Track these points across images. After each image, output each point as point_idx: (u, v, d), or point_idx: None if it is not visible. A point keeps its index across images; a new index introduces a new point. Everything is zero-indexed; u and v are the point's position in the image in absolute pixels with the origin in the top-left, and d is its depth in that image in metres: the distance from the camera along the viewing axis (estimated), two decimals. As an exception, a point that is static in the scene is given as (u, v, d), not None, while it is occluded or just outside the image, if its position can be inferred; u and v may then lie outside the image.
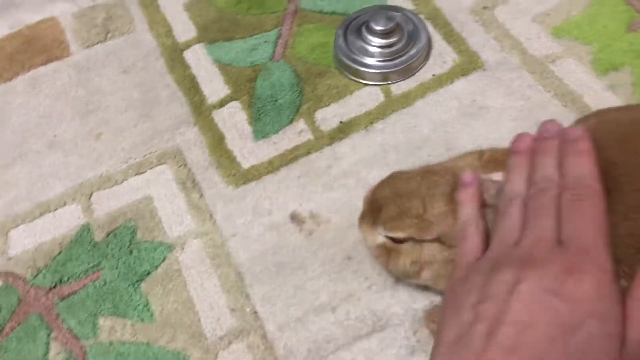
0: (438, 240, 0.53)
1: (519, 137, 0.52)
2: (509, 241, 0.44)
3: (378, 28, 0.77)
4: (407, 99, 0.77)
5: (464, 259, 0.48)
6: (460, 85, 0.77)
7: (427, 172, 0.55)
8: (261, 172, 0.73)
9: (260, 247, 0.68)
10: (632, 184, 0.45)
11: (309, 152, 0.74)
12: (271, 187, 0.72)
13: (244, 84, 0.82)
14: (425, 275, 0.56)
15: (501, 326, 0.38)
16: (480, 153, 0.56)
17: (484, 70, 0.77)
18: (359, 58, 0.78)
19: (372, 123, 0.76)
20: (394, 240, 0.55)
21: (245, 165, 0.74)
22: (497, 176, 0.52)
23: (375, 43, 0.78)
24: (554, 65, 0.76)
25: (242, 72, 0.83)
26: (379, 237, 0.56)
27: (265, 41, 0.86)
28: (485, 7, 0.83)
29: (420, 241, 0.53)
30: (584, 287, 0.38)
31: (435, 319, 0.61)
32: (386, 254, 0.56)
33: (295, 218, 0.70)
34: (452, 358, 0.40)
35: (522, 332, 0.37)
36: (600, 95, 0.72)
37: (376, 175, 0.71)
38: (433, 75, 0.78)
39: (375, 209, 0.56)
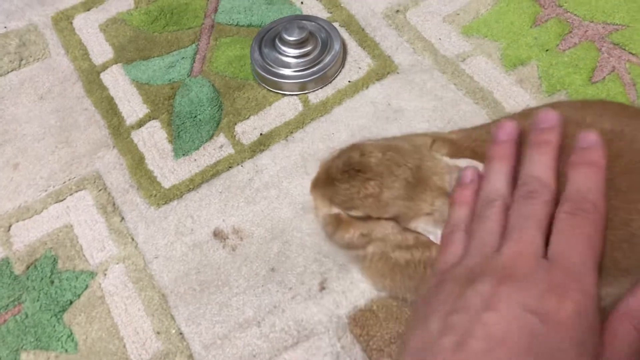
0: (393, 219, 0.51)
1: (501, 125, 0.47)
2: (488, 248, 0.40)
3: (291, 39, 0.77)
4: (325, 107, 0.77)
5: (443, 265, 0.44)
6: (375, 89, 0.78)
7: (390, 149, 0.51)
8: (182, 190, 0.73)
9: (184, 267, 0.67)
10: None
11: (230, 167, 0.74)
12: (193, 204, 0.72)
13: (162, 102, 0.81)
14: (370, 250, 0.55)
15: (471, 340, 0.35)
16: (432, 135, 0.54)
17: (398, 73, 0.79)
18: (275, 70, 0.79)
19: (291, 133, 0.76)
20: (351, 215, 0.53)
21: (166, 184, 0.74)
22: (463, 163, 0.50)
23: (289, 54, 0.79)
24: (464, 63, 0.78)
25: (161, 90, 0.82)
26: (333, 209, 0.54)
27: (183, 57, 0.85)
28: (397, 11, 0.85)
29: (377, 218, 0.52)
30: (566, 310, 0.35)
31: (358, 323, 0.62)
32: (336, 224, 0.54)
33: (218, 234, 0.69)
34: None
35: (492, 349, 0.34)
36: (509, 90, 0.74)
37: (297, 185, 0.72)
38: (349, 81, 0.79)
39: (329, 182, 0.53)
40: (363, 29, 0.84)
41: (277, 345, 0.61)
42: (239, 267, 0.67)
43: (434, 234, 0.50)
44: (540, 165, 0.42)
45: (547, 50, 0.76)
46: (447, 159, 0.51)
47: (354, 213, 0.52)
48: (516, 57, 0.76)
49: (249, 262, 0.67)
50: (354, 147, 0.54)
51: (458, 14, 0.83)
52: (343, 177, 0.52)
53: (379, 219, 0.52)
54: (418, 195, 0.50)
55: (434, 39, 0.81)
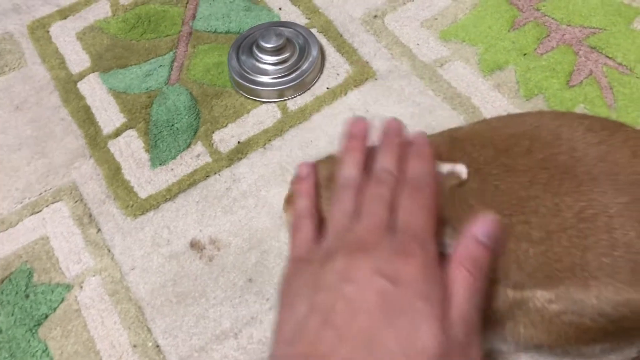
0: None
1: (355, 122, 0.53)
2: (341, 227, 0.44)
3: (268, 45, 0.77)
4: (303, 114, 0.77)
5: (296, 251, 0.47)
6: (353, 96, 0.77)
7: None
8: (159, 200, 0.72)
9: (161, 279, 0.67)
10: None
11: (207, 176, 0.73)
12: (170, 215, 0.71)
13: (139, 110, 0.80)
14: None
15: (334, 315, 0.38)
16: None
17: (376, 79, 0.78)
18: (252, 77, 0.78)
19: (269, 141, 0.75)
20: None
21: (143, 194, 0.73)
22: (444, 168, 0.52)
23: (267, 60, 0.78)
24: (442, 69, 0.78)
25: (138, 99, 0.81)
26: None
27: (161, 65, 0.84)
28: (375, 16, 0.84)
29: None
30: (411, 268, 0.39)
31: (336, 334, 0.61)
32: None
33: (195, 245, 0.69)
34: (286, 352, 0.39)
35: (354, 317, 0.37)
36: (487, 96, 0.74)
37: (276, 193, 0.71)
38: (327, 88, 0.79)
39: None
40: (341, 35, 0.83)
41: (255, 357, 0.61)
42: (216, 278, 0.66)
43: None
44: (387, 159, 0.48)
45: (524, 54, 0.76)
46: None
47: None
48: (494, 61, 0.76)
49: (226, 273, 0.66)
50: (328, 159, 0.55)
51: (436, 19, 0.83)
52: (321, 190, 0.53)
53: None
54: None
55: (412, 44, 0.81)
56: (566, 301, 0.47)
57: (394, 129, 0.52)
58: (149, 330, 0.64)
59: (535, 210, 0.47)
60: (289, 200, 0.56)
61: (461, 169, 0.48)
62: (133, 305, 0.65)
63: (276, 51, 0.77)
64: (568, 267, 0.46)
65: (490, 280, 0.49)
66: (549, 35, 0.77)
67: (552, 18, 0.79)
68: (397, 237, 0.42)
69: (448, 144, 0.52)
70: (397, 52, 0.80)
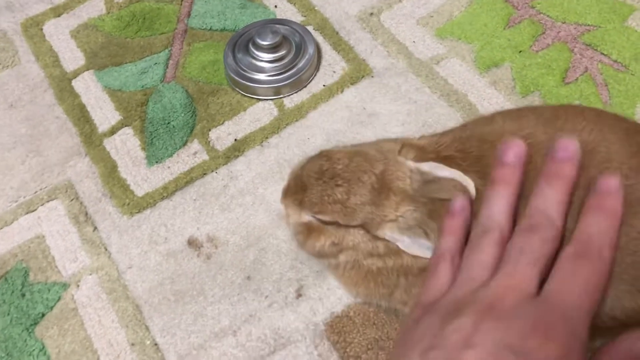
0: (362, 226, 0.51)
1: (510, 144, 0.42)
2: (476, 281, 0.38)
3: (264, 43, 0.77)
4: (300, 112, 0.77)
5: (425, 296, 0.41)
6: (350, 93, 0.77)
7: (357, 155, 0.52)
8: (156, 198, 0.72)
9: (158, 277, 0.66)
10: None
11: (204, 174, 0.73)
12: (167, 213, 0.71)
13: (135, 108, 0.80)
14: (342, 258, 0.55)
15: None
16: (401, 140, 0.54)
17: (372, 77, 0.78)
18: (249, 74, 0.78)
19: (266, 138, 0.75)
20: (320, 220, 0.53)
21: (140, 192, 0.72)
22: (426, 167, 0.50)
23: (263, 58, 0.78)
24: (438, 66, 0.78)
25: (133, 96, 0.81)
26: (305, 216, 0.54)
27: (156, 63, 0.84)
28: (371, 14, 0.84)
29: (346, 225, 0.52)
30: (550, 352, 0.32)
31: (335, 330, 0.61)
32: (307, 232, 0.54)
33: (192, 243, 0.69)
34: None
35: None
36: (483, 92, 0.74)
37: (273, 191, 0.71)
38: (324, 85, 0.79)
39: (300, 188, 0.54)
40: (337, 33, 0.83)
41: (254, 354, 0.61)
42: (214, 276, 0.66)
43: (401, 242, 0.50)
44: (550, 199, 0.38)
45: (520, 51, 0.76)
46: (411, 163, 0.51)
47: (322, 218, 0.52)
48: (490, 58, 0.76)
49: (224, 271, 0.66)
50: (322, 155, 0.54)
51: (432, 17, 0.83)
52: (315, 182, 0.53)
53: (347, 226, 0.52)
54: (382, 202, 0.50)
55: (408, 41, 0.81)
56: None
57: (568, 154, 0.40)
58: (147, 328, 0.63)
59: None
60: (287, 191, 0.56)
61: (469, 183, 0.45)
62: (130, 303, 0.65)
63: (272, 49, 0.77)
64: None
65: None
66: (544, 33, 0.78)
67: (547, 15, 0.79)
68: (541, 307, 0.34)
69: None
70: (393, 49, 0.80)
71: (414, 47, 0.80)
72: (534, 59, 0.75)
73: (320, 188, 0.52)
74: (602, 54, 0.74)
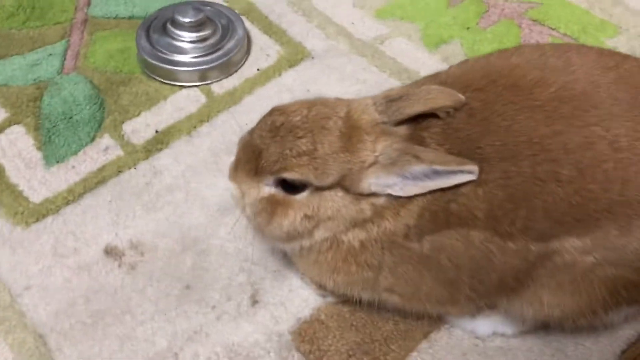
0: (340, 185, 0.42)
1: None
2: None
3: (186, 20, 0.66)
4: (232, 97, 0.66)
5: None
6: (289, 76, 0.68)
7: (315, 103, 0.43)
8: (59, 203, 0.57)
9: (68, 297, 0.51)
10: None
11: (120, 171, 0.60)
12: (74, 219, 0.56)
13: (26, 104, 0.65)
14: (318, 236, 0.44)
15: None
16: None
17: (313, 58, 0.70)
18: (168, 57, 0.66)
19: (195, 128, 0.63)
20: (286, 189, 0.43)
21: (36, 198, 0.57)
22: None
23: (185, 38, 0.67)
24: (383, 46, 0.71)
25: (23, 91, 0.66)
26: (265, 188, 0.43)
27: (50, 54, 0.70)
28: (303, -3, 0.77)
29: (319, 189, 0.42)
30: None
31: (306, 338, 0.49)
32: (271, 209, 0.43)
33: (111, 252, 0.54)
34: None
35: None
36: (436, 68, 0.67)
37: (209, 184, 0.59)
38: (258, 69, 0.69)
39: (253, 155, 0.43)
40: (267, 17, 0.74)
41: (204, 380, 0.47)
42: (142, 289, 0.52)
43: (394, 186, 0.41)
44: None
45: (468, 28, 0.72)
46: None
47: (288, 176, 0.41)
48: (437, 36, 0.71)
49: (156, 282, 0.52)
50: (273, 111, 0.44)
51: (368, -1, 0.77)
52: (271, 140, 0.42)
53: (322, 189, 0.42)
54: (356, 146, 0.41)
55: (347, 23, 0.74)
56: (604, 249, 0.39)
57: None
58: (55, 363, 0.48)
59: (563, 147, 0.39)
60: (236, 165, 0.45)
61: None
62: (30, 333, 0.49)
63: (195, 27, 0.67)
64: (606, 207, 0.39)
65: (508, 233, 0.40)
66: (488, 11, 0.74)
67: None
68: None
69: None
70: (331, 31, 0.73)
71: (353, 28, 0.73)
72: (483, 35, 0.71)
73: (279, 145, 0.42)
74: (550, 28, 0.72)
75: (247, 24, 0.73)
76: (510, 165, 0.39)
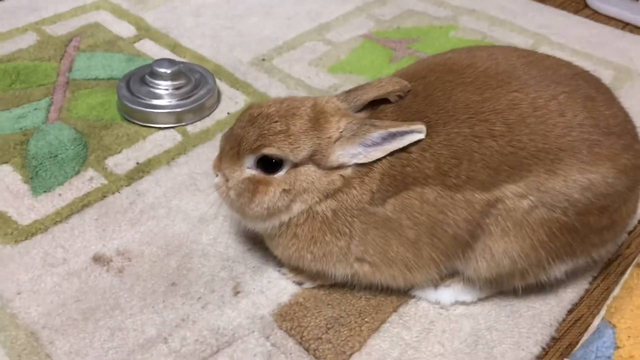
0: (312, 160, 0.49)
1: None
2: None
3: (162, 70, 0.74)
4: (207, 135, 0.73)
5: None
6: (256, 117, 0.76)
7: (285, 99, 0.52)
8: (47, 224, 0.61)
9: (58, 298, 0.54)
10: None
11: (104, 196, 0.65)
12: (63, 235, 0.60)
13: (13, 147, 0.70)
14: (295, 208, 0.50)
15: None
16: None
17: (276, 102, 0.78)
18: (147, 101, 0.74)
19: (173, 159, 0.70)
20: (265, 169, 0.49)
21: (25, 221, 0.61)
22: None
23: (162, 86, 0.75)
24: (337, 92, 0.80)
25: (10, 138, 0.72)
26: (247, 170, 0.50)
27: (36, 109, 0.76)
28: (263, 60, 0.87)
29: (295, 166, 0.49)
30: None
31: (287, 318, 0.53)
32: (253, 187, 0.49)
33: (99, 259, 0.58)
34: None
35: None
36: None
37: (189, 201, 0.64)
38: (228, 113, 0.77)
39: (235, 142, 0.50)
40: (233, 74, 0.84)
41: (193, 357, 0.50)
42: (130, 288, 0.55)
43: (359, 155, 0.49)
44: None
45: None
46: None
47: (267, 152, 0.48)
48: (383, 83, 0.81)
49: (142, 281, 0.56)
50: (250, 106, 0.52)
51: (321, 59, 0.87)
52: (250, 126, 0.50)
53: (297, 165, 0.49)
54: (323, 125, 0.49)
55: (304, 77, 0.84)
56: (537, 192, 0.47)
57: None
58: (47, 355, 0.50)
59: (493, 109, 0.48)
60: (219, 155, 0.52)
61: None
62: (22, 331, 0.51)
63: (171, 77, 0.75)
64: (533, 153, 0.47)
65: (455, 185, 0.47)
66: (425, 64, 0.85)
67: (424, 52, 0.88)
68: None
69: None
70: (291, 83, 0.82)
71: (310, 80, 0.83)
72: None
73: (257, 128, 0.49)
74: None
75: (217, 80, 0.82)
76: (452, 128, 0.48)
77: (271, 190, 0.49)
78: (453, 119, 0.48)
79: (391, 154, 0.49)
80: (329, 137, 0.49)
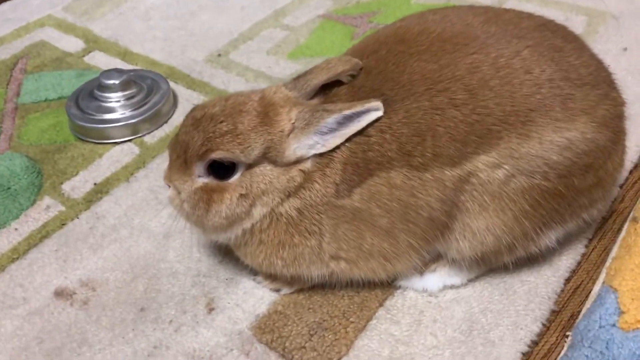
0: (267, 158, 0.45)
1: None
2: None
3: (111, 82, 0.70)
4: (165, 143, 0.69)
5: None
6: (217, 117, 0.72)
7: (230, 96, 0.47)
8: (3, 263, 0.57)
9: (20, 342, 0.50)
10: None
11: (63, 224, 0.61)
12: (21, 273, 0.56)
13: (-38, 184, 0.66)
14: (257, 214, 0.46)
15: None
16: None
17: (236, 99, 0.74)
18: (99, 117, 0.70)
19: (132, 174, 0.66)
20: (217, 175, 0.45)
21: (-20, 262, 0.57)
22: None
23: (112, 99, 0.71)
24: (300, 78, 0.76)
25: (-42, 174, 0.67)
26: (197, 179, 0.45)
27: (-16, 141, 0.72)
28: (219, 55, 0.82)
29: (249, 168, 0.45)
30: None
31: (266, 329, 0.49)
32: (207, 197, 0.45)
33: (61, 293, 0.54)
34: None
35: None
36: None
37: (152, 217, 0.60)
38: (186, 117, 0.72)
39: (181, 150, 0.45)
40: (188, 75, 0.79)
41: (170, 387, 0.46)
42: (97, 320, 0.52)
43: (314, 146, 0.44)
44: None
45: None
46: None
47: (216, 157, 0.44)
48: (347, 62, 0.77)
49: (109, 311, 0.52)
50: (193, 108, 0.48)
51: (279, 46, 0.83)
52: (194, 131, 0.45)
53: (251, 167, 0.45)
54: (274, 119, 0.45)
55: (264, 67, 0.79)
56: (512, 159, 0.43)
57: None
58: (12, 407, 0.46)
59: (452, 76, 0.43)
60: (169, 166, 0.47)
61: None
62: (-16, 383, 0.48)
63: (121, 87, 0.70)
64: (501, 118, 0.43)
65: (422, 165, 0.43)
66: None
67: (385, 24, 0.83)
68: None
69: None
70: (250, 76, 0.78)
71: (270, 70, 0.79)
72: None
73: (202, 132, 0.45)
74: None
75: (172, 84, 0.78)
76: (411, 103, 0.44)
77: (227, 197, 0.45)
78: (410, 93, 0.44)
79: (350, 140, 0.44)
80: (281, 131, 0.45)
